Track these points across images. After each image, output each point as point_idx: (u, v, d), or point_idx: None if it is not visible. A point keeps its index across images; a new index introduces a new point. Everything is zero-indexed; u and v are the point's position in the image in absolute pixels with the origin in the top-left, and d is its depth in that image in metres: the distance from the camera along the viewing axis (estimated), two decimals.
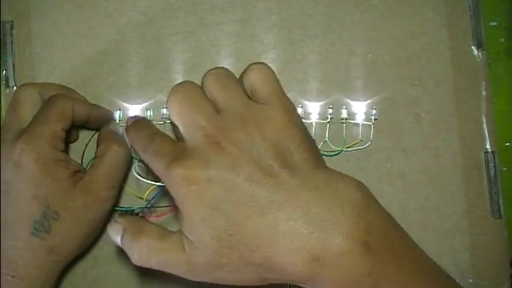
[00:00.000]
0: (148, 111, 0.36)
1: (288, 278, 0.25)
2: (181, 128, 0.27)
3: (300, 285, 0.26)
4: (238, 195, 0.25)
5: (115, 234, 0.29)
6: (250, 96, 0.29)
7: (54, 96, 0.33)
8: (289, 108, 0.28)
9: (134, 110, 0.36)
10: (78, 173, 0.32)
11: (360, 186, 0.26)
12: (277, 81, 0.29)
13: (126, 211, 0.35)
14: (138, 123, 0.31)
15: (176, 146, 0.27)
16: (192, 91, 0.28)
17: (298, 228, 0.24)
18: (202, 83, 0.29)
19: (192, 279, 0.27)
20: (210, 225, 0.25)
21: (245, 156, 0.25)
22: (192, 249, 0.26)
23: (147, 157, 0.28)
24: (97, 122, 0.35)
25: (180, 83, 0.29)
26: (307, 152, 0.27)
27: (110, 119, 0.36)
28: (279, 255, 0.24)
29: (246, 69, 0.29)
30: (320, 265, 0.24)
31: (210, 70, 0.29)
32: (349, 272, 0.24)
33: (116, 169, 0.33)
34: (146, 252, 0.27)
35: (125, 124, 0.36)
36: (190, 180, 0.25)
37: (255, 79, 0.28)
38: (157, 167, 0.27)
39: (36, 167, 0.30)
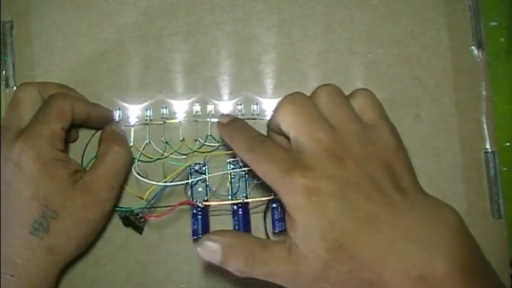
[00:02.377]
0: (148, 111, 0.36)
1: None
2: (295, 138, 0.27)
3: None
4: (356, 211, 0.25)
5: (211, 254, 0.27)
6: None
7: (53, 95, 0.33)
8: (397, 133, 0.28)
9: (134, 110, 0.36)
10: (78, 172, 0.32)
11: (456, 211, 0.26)
12: (383, 107, 0.29)
13: (126, 211, 0.35)
14: (237, 121, 0.31)
15: (291, 154, 0.27)
16: (307, 104, 0.28)
17: (409, 247, 0.24)
18: (313, 97, 0.29)
19: (292, 287, 0.27)
20: (327, 237, 0.25)
21: (365, 174, 0.26)
22: (301, 259, 0.26)
23: (253, 158, 0.28)
24: (97, 121, 0.35)
25: (292, 94, 0.28)
26: (414, 177, 0.27)
27: (109, 118, 0.36)
28: (388, 272, 0.24)
29: (353, 93, 0.29)
30: (425, 285, 0.24)
31: (322, 86, 0.29)
32: None
33: (117, 170, 0.33)
34: (252, 264, 0.27)
35: (127, 124, 0.36)
36: (312, 190, 0.25)
37: (363, 101, 0.29)
38: (269, 170, 0.27)
39: (35, 167, 0.30)
